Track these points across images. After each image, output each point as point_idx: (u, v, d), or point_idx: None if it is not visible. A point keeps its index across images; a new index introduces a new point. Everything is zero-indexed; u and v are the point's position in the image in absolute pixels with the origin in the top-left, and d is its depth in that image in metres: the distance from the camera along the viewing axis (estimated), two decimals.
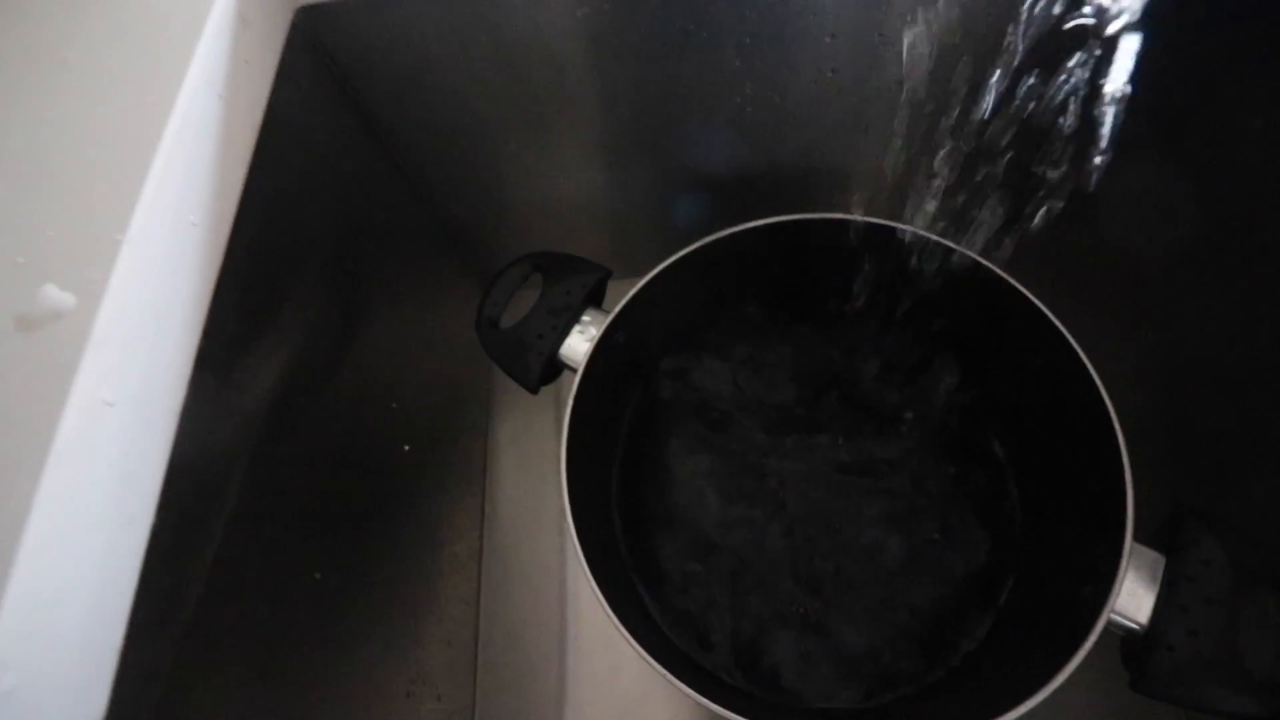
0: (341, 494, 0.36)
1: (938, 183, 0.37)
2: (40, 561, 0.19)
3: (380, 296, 0.42)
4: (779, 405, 0.46)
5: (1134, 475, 0.32)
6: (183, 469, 0.24)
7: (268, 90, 0.31)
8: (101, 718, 0.20)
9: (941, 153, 0.36)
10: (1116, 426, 0.33)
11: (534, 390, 0.40)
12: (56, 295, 0.22)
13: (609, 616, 0.32)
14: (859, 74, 0.42)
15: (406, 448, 0.42)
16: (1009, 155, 0.34)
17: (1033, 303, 0.36)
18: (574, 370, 0.39)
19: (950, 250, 0.38)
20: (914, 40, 0.35)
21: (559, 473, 0.56)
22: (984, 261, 0.37)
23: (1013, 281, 0.37)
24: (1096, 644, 0.29)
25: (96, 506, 0.20)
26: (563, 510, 0.54)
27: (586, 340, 0.39)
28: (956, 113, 0.35)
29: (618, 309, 0.39)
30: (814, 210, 0.40)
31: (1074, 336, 0.35)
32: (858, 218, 0.39)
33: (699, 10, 0.37)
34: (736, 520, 0.43)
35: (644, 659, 0.31)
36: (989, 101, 0.33)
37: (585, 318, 0.40)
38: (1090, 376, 0.34)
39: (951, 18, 0.34)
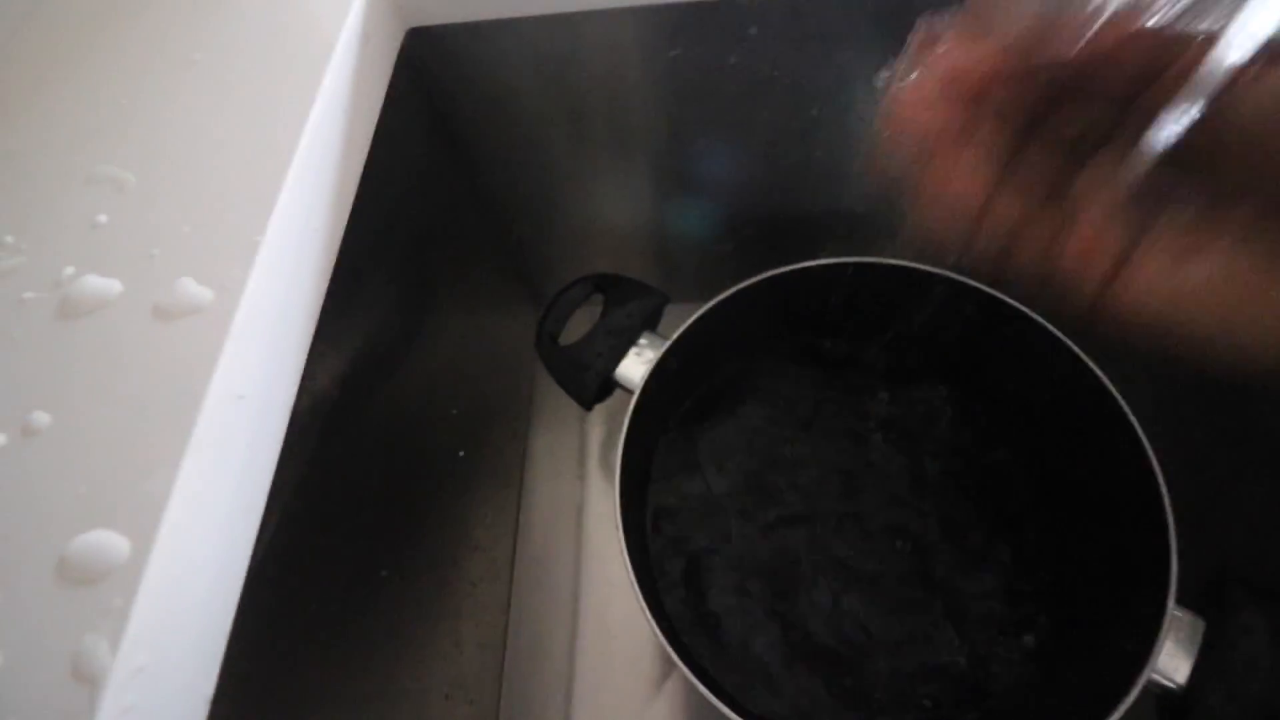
0: (405, 494, 0.37)
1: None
2: (174, 546, 0.20)
3: (448, 306, 0.43)
4: (822, 444, 0.47)
5: (1178, 538, 0.33)
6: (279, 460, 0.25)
7: (379, 106, 0.32)
8: (211, 696, 0.21)
9: None
10: (1163, 488, 0.34)
11: (588, 407, 0.41)
12: (194, 289, 0.23)
13: (660, 641, 0.33)
14: None
15: (462, 453, 0.43)
16: None
17: (1082, 359, 0.38)
18: (627, 390, 0.40)
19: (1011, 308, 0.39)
20: None
21: (581, 488, 0.57)
22: (1034, 316, 0.39)
23: (1061, 336, 0.38)
24: (1136, 701, 0.30)
25: (224, 496, 0.21)
26: (580, 523, 0.55)
27: (643, 363, 0.40)
28: None
29: (676, 335, 0.40)
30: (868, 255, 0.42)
31: (1123, 398, 0.36)
32: (922, 266, 0.41)
33: (781, 58, 0.39)
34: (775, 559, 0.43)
35: (694, 684, 0.32)
36: None
37: (642, 341, 0.41)
38: (1140, 440, 0.35)
39: None
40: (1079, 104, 0.18)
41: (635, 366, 0.40)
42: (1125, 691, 0.30)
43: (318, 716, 0.28)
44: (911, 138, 0.20)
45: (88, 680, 0.18)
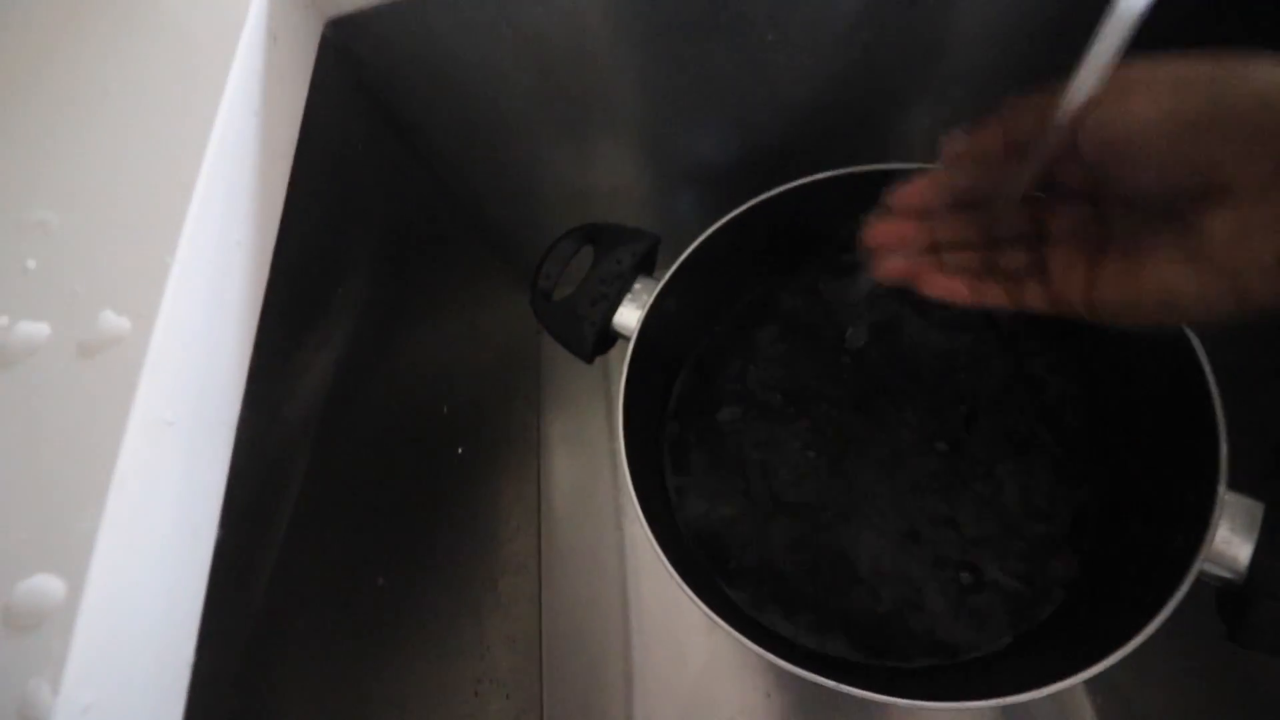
0: (400, 499, 0.36)
1: None
2: (111, 578, 0.19)
3: (424, 300, 0.42)
4: (838, 366, 0.45)
5: (1229, 422, 0.30)
6: (241, 481, 0.24)
7: (302, 104, 0.31)
8: None
9: None
10: (1207, 369, 0.31)
11: (589, 360, 0.40)
12: (114, 320, 0.23)
13: (677, 583, 0.32)
14: (895, 37, 0.40)
15: (460, 450, 0.42)
16: None
17: None
18: (626, 338, 0.39)
19: None
20: None
21: (612, 467, 0.56)
22: None
23: None
24: (1194, 595, 0.28)
25: (162, 522, 0.21)
26: (618, 506, 0.54)
27: (639, 308, 0.39)
28: None
29: (668, 275, 0.39)
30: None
31: None
32: (913, 165, 0.38)
33: None
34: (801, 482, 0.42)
35: (720, 625, 0.31)
36: None
37: (637, 285, 0.40)
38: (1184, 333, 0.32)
39: None
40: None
41: (632, 312, 0.39)
42: (1178, 583, 0.28)
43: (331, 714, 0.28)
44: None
45: None
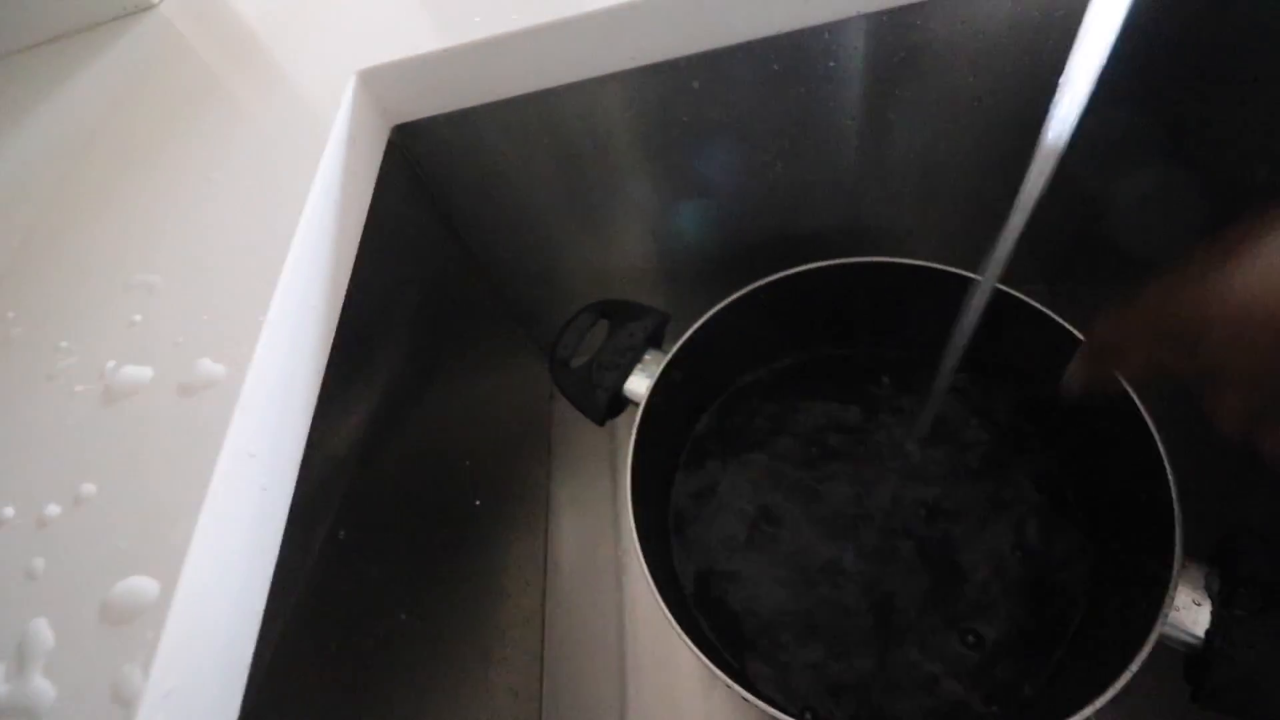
0: (423, 542, 0.39)
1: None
2: (197, 583, 0.23)
3: (453, 361, 0.47)
4: (837, 443, 0.48)
5: (1183, 499, 0.33)
6: (294, 511, 0.28)
7: (370, 194, 0.37)
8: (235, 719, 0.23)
9: None
10: (1161, 449, 0.35)
11: (600, 422, 0.44)
12: (210, 366, 0.27)
13: (680, 637, 0.34)
14: (884, 154, 0.46)
15: (478, 502, 0.46)
16: None
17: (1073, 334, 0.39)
18: (636, 405, 0.43)
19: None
20: None
21: (614, 530, 0.59)
22: (1040, 307, 0.40)
23: (1055, 317, 0.39)
24: (1166, 662, 0.30)
25: (240, 540, 0.25)
26: (619, 566, 0.57)
27: (648, 377, 0.43)
28: None
29: (675, 349, 0.44)
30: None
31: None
32: (909, 260, 0.43)
33: (734, 105, 0.43)
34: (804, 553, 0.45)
35: (719, 677, 0.33)
36: None
37: (646, 357, 0.44)
38: (1138, 411, 0.36)
39: None
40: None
41: (641, 381, 0.44)
42: (1140, 646, 0.30)
43: None
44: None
45: (124, 703, 0.20)
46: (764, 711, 0.33)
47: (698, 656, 0.34)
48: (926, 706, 0.39)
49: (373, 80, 0.38)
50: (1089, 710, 0.30)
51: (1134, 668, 0.30)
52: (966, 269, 0.41)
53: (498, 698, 0.44)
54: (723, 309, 0.44)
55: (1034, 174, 0.28)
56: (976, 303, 0.31)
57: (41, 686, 0.22)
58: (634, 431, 0.41)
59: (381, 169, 0.39)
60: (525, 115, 0.42)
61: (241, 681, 0.24)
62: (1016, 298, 0.40)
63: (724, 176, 0.48)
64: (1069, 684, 0.36)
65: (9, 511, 0.26)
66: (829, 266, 0.44)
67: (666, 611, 0.35)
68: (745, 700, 0.33)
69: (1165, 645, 0.31)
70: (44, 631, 0.23)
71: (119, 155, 0.39)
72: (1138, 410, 0.36)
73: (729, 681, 0.33)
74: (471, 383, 0.50)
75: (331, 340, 0.32)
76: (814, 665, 0.41)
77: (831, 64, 0.40)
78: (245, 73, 0.42)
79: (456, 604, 0.41)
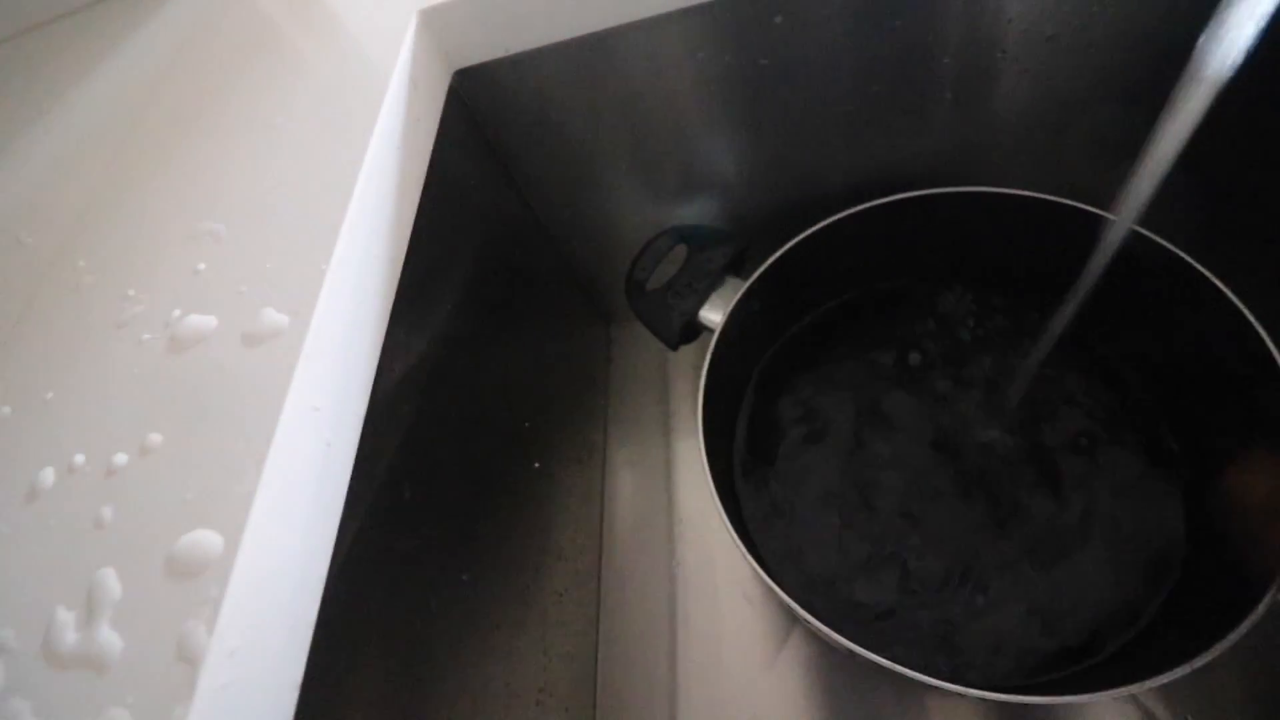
0: (484, 503, 0.39)
1: None
2: (261, 541, 0.22)
3: (512, 324, 0.46)
4: (914, 380, 0.46)
5: None
6: (357, 466, 0.27)
7: (432, 141, 0.35)
8: (299, 681, 0.23)
9: None
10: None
11: (674, 347, 0.43)
12: (274, 316, 0.26)
13: (746, 560, 0.33)
14: (976, 90, 0.42)
15: (537, 464, 0.45)
16: None
17: (1202, 273, 0.35)
18: (712, 332, 0.41)
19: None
20: None
21: (668, 497, 0.58)
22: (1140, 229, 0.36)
23: (1183, 255, 0.36)
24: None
25: (305, 495, 0.24)
26: (672, 534, 0.56)
27: (724, 304, 0.42)
28: None
29: (754, 277, 0.42)
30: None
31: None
32: (1017, 191, 0.40)
33: (820, 43, 0.39)
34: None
35: (791, 606, 0.32)
36: None
37: (725, 283, 0.43)
38: (1270, 353, 0.32)
39: None
40: None
41: (717, 307, 0.42)
42: (1251, 610, 0.28)
43: (405, 706, 0.30)
44: None
45: (189, 660, 0.20)
46: (842, 653, 0.31)
47: (769, 584, 0.32)
48: (998, 644, 0.37)
49: (434, 20, 0.36)
50: (1180, 672, 0.28)
51: (1238, 633, 0.28)
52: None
53: (554, 660, 0.43)
54: (808, 237, 0.42)
55: (1186, 103, 0.24)
56: (1108, 243, 0.28)
57: (109, 638, 0.21)
58: (708, 356, 0.39)
59: (444, 116, 0.37)
60: (591, 58, 0.39)
61: (306, 641, 0.23)
62: (1148, 238, 0.36)
63: (804, 126, 0.44)
64: (1160, 643, 0.34)
65: (79, 459, 0.25)
66: (925, 196, 0.41)
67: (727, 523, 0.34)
68: (816, 645, 0.31)
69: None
70: (111, 581, 0.22)
71: (182, 107, 0.39)
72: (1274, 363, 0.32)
73: (805, 616, 0.31)
74: (529, 342, 0.48)
75: (394, 292, 0.30)
76: (889, 611, 0.39)
77: None
78: (304, 18, 0.41)
79: (516, 565, 0.41)
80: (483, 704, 0.35)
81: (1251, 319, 0.33)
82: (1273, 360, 0.33)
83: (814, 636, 0.48)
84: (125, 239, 0.33)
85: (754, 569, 0.33)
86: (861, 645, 0.30)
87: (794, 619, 0.49)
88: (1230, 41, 0.22)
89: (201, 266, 0.29)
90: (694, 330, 0.43)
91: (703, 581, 0.53)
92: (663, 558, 0.54)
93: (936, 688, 0.28)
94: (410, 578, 0.32)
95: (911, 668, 0.29)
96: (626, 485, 0.58)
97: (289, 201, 0.30)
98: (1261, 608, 0.28)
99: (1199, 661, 0.27)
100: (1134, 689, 0.27)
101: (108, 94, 0.42)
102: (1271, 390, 0.33)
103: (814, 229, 0.42)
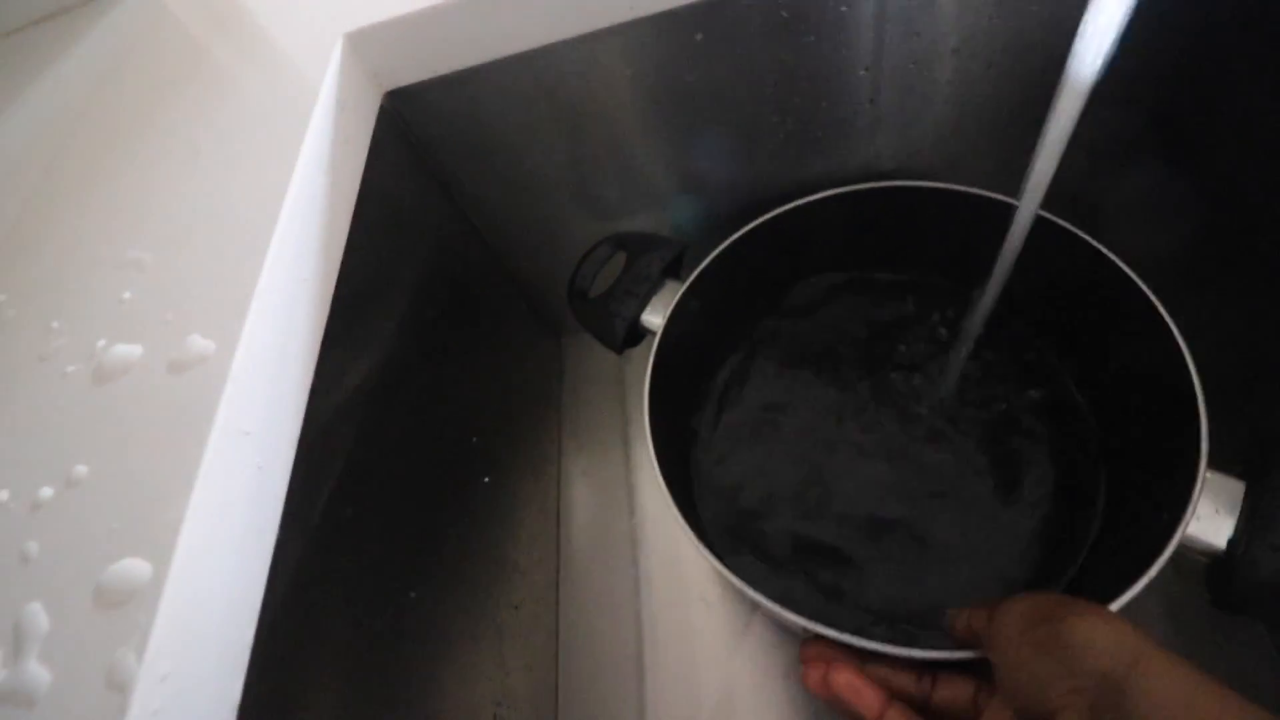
0: (432, 519, 0.39)
1: None
2: (191, 564, 0.22)
3: (458, 340, 0.46)
4: (852, 368, 0.49)
5: (1211, 409, 0.32)
6: (293, 488, 0.27)
7: (363, 163, 0.36)
8: (238, 703, 0.23)
9: None
10: (1188, 358, 0.34)
11: (619, 351, 0.44)
12: (200, 342, 0.26)
13: (695, 545, 0.35)
14: (901, 102, 0.44)
15: (487, 479, 0.45)
16: None
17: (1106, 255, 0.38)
18: (654, 334, 0.43)
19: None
20: None
21: (628, 504, 0.58)
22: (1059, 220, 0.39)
23: (1091, 240, 0.38)
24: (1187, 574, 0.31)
25: (236, 519, 0.24)
26: (634, 540, 0.56)
27: (665, 306, 0.43)
28: None
29: (691, 277, 0.43)
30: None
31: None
32: (890, 183, 0.43)
33: (740, 57, 0.40)
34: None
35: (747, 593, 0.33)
36: None
37: (665, 286, 0.44)
38: (1161, 317, 0.35)
39: None
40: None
41: (658, 310, 0.43)
42: (1159, 553, 0.29)
43: None
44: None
45: (119, 688, 0.20)
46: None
47: (722, 573, 0.33)
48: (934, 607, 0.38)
49: (361, 42, 0.37)
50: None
51: (1147, 578, 0.29)
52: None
53: (513, 674, 0.44)
54: (740, 238, 0.44)
55: (1061, 108, 0.26)
56: (1020, 226, 0.30)
57: (37, 672, 0.21)
58: (651, 358, 0.41)
59: (375, 137, 0.38)
60: (522, 76, 0.40)
61: (242, 665, 0.23)
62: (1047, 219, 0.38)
63: (734, 136, 0.46)
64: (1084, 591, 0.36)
65: (3, 495, 0.25)
66: (844, 194, 0.44)
67: (679, 516, 0.35)
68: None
69: (1185, 554, 0.31)
70: (39, 616, 0.22)
71: (106, 133, 0.38)
72: (1162, 320, 0.35)
73: (765, 600, 0.32)
74: (477, 358, 0.48)
75: (327, 314, 0.31)
76: (837, 587, 0.41)
77: (844, 9, 0.37)
78: (230, 41, 0.41)
79: (468, 580, 0.41)
80: (438, 718, 0.36)
81: (1134, 277, 0.36)
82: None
83: (775, 634, 0.49)
84: (48, 270, 0.32)
85: (714, 566, 0.34)
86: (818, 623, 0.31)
87: (753, 616, 0.50)
88: (1095, 49, 0.24)
89: (127, 295, 0.29)
90: (637, 334, 0.44)
91: (665, 586, 0.53)
92: (623, 565, 0.55)
93: (886, 655, 0.30)
94: (356, 597, 0.32)
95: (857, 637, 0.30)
96: (583, 495, 0.59)
97: (214, 226, 0.30)
98: (1170, 548, 0.30)
99: (1119, 602, 0.29)
100: None
101: (31, 119, 0.41)
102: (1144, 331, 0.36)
103: (747, 228, 0.44)
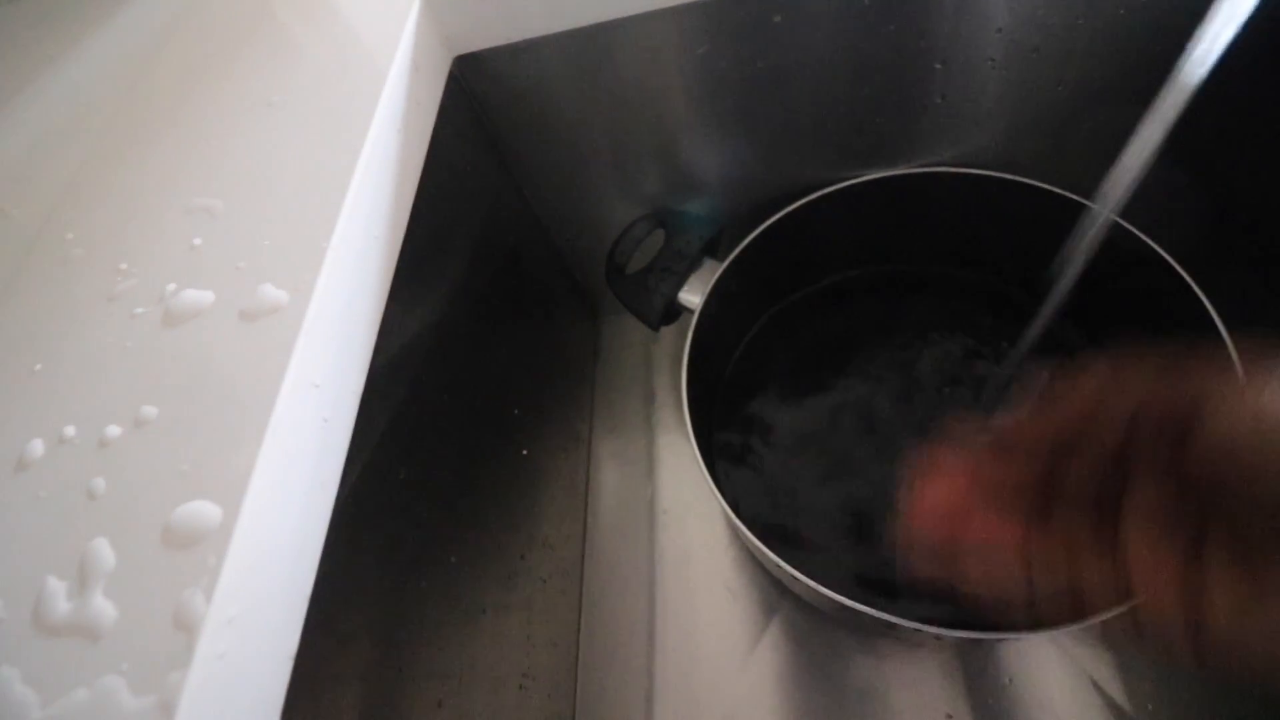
0: (473, 487, 0.39)
1: None
2: (259, 513, 0.22)
3: (504, 311, 0.46)
4: (879, 351, 0.48)
5: None
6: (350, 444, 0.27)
7: (431, 126, 0.35)
8: (294, 653, 0.23)
9: None
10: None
11: (655, 328, 0.44)
12: (273, 293, 0.26)
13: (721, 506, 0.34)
14: (973, 99, 0.43)
15: (525, 452, 0.45)
16: None
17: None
18: (692, 312, 0.42)
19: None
20: None
21: (651, 488, 0.58)
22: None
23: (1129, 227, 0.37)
24: None
25: (301, 472, 0.24)
26: (653, 523, 0.56)
27: (703, 285, 0.43)
28: None
29: (731, 257, 0.43)
30: None
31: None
32: (945, 169, 0.42)
33: (817, 43, 0.40)
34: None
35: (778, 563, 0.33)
36: None
37: (704, 266, 0.44)
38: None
39: None
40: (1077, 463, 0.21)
41: (695, 289, 0.43)
42: None
43: (392, 685, 0.30)
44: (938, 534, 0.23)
45: (186, 628, 0.20)
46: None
47: (757, 549, 0.33)
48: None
49: (436, 4, 0.36)
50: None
51: None
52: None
53: (538, 647, 0.44)
54: (783, 217, 0.43)
55: (1162, 108, 0.25)
56: (1092, 233, 0.29)
57: (102, 607, 0.21)
58: (689, 335, 0.40)
59: (443, 102, 0.37)
60: (590, 50, 0.40)
61: (302, 612, 0.23)
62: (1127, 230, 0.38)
63: (796, 124, 0.45)
64: None
65: (70, 430, 0.25)
66: (895, 177, 0.43)
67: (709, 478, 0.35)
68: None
69: None
70: (105, 551, 0.22)
71: (178, 80, 0.38)
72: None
73: (793, 571, 0.32)
74: (519, 330, 0.48)
75: (393, 273, 0.31)
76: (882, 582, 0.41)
77: None
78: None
79: (504, 550, 0.41)
80: (468, 686, 0.36)
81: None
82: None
83: (794, 624, 0.49)
84: (116, 213, 0.32)
85: (748, 541, 0.34)
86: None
87: (773, 608, 0.50)
88: (1211, 48, 0.23)
89: (197, 242, 0.29)
90: (674, 311, 0.44)
91: (684, 572, 0.53)
92: (644, 549, 0.55)
93: (924, 636, 0.30)
94: (399, 557, 0.33)
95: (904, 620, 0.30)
96: (611, 475, 0.59)
97: (288, 179, 0.30)
98: None
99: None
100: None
101: (99, 65, 0.41)
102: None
103: (789, 208, 0.43)
